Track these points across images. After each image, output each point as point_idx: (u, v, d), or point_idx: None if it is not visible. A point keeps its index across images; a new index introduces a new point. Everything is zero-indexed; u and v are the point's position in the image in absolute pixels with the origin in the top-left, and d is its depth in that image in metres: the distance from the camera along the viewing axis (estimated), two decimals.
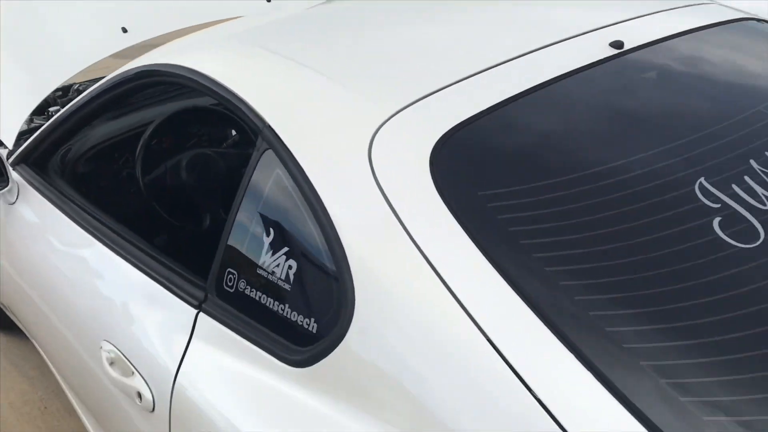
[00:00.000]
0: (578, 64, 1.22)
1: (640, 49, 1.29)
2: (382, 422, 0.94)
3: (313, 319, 1.05)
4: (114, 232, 1.53)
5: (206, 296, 1.24)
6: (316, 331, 1.04)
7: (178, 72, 1.41)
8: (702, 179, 0.99)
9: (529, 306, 0.87)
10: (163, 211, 1.84)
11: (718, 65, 1.30)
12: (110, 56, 2.22)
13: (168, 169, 1.88)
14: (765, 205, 0.96)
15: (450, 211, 0.97)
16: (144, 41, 2.30)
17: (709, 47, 1.34)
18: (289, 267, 1.10)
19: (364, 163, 1.05)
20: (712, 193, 0.98)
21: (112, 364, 1.35)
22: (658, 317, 0.85)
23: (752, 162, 1.03)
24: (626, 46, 1.28)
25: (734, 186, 0.99)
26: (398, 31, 1.42)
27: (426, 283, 0.93)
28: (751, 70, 1.30)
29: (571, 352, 0.83)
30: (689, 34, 1.37)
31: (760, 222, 0.94)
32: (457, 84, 1.15)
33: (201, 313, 1.23)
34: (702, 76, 1.26)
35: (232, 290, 1.20)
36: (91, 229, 1.58)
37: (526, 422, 0.81)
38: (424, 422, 0.90)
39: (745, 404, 0.79)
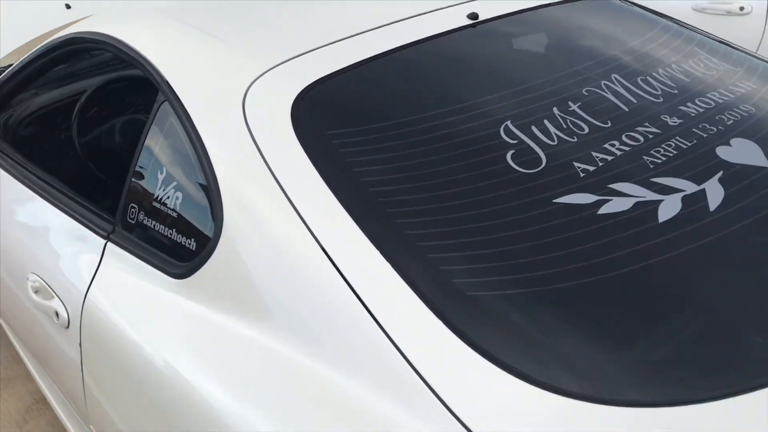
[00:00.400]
0: (435, 32, 1.44)
1: (493, 20, 1.51)
2: (249, 321, 1.15)
3: (192, 239, 1.26)
4: (47, 183, 1.73)
5: (114, 228, 1.44)
6: (195, 248, 1.25)
7: (97, 38, 1.62)
8: (508, 122, 1.22)
9: (357, 224, 1.07)
10: (91, 164, 2.05)
11: (555, 34, 1.52)
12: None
13: (101, 132, 2.09)
14: (553, 141, 1.19)
15: (304, 149, 1.18)
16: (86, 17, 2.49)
17: (552, 19, 1.57)
18: (177, 198, 1.31)
19: (238, 111, 1.26)
20: (514, 132, 1.20)
21: (36, 292, 1.55)
22: (453, 220, 1.06)
23: (555, 109, 1.26)
24: (481, 18, 1.50)
25: (533, 127, 1.21)
26: (285, 7, 1.62)
27: (279, 208, 1.14)
28: (581, 38, 1.52)
29: (390, 263, 1.03)
30: (540, 9, 1.59)
31: (545, 153, 1.16)
32: (323, 47, 1.36)
33: (109, 243, 1.44)
34: (537, 43, 1.49)
35: (134, 221, 1.40)
36: (27, 182, 1.77)
37: (348, 317, 1.02)
38: (276, 323, 1.11)
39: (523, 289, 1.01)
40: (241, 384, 1.10)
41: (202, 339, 1.19)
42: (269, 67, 1.32)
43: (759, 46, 3.05)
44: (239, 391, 1.10)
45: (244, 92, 1.28)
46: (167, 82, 1.38)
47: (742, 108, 1.33)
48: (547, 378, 0.90)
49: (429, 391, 0.92)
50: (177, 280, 1.26)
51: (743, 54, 1.59)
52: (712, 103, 1.33)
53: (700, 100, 1.33)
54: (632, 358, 0.92)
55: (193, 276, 1.23)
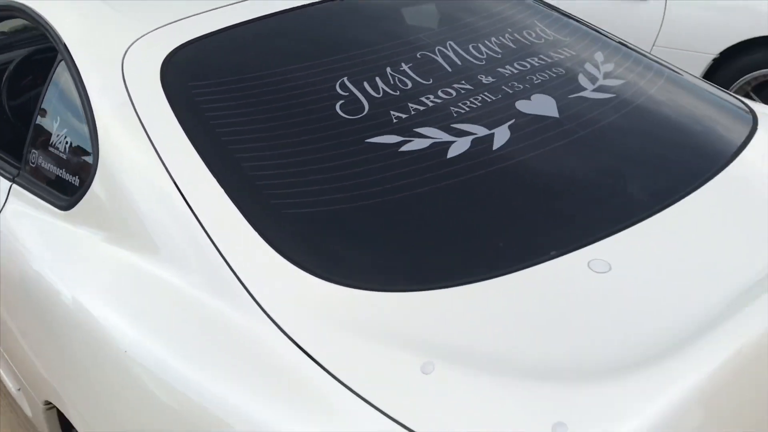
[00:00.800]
0: (303, 3, 1.65)
1: None
2: (117, 241, 1.36)
3: (76, 176, 1.47)
4: None
5: (19, 172, 1.65)
6: (78, 184, 1.46)
7: (12, 6, 1.81)
8: (344, 79, 1.43)
9: (202, 159, 1.29)
10: (19, 124, 2.25)
11: (411, 8, 1.74)
12: None
13: (29, 97, 2.29)
14: (379, 94, 1.41)
15: (167, 99, 1.39)
16: None
17: None
18: (67, 142, 1.52)
19: (118, 68, 1.47)
20: (348, 87, 1.42)
21: None
22: (282, 155, 1.29)
23: (388, 69, 1.48)
24: None
25: (365, 83, 1.43)
26: None
27: (142, 147, 1.35)
28: (432, 11, 1.74)
29: (224, 189, 1.24)
30: None
31: (368, 104, 1.38)
32: (195, 15, 1.57)
33: (14, 185, 1.64)
34: (392, 15, 1.70)
35: (34, 165, 1.61)
36: None
37: (188, 234, 1.23)
38: (139, 242, 1.32)
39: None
40: (110, 292, 1.32)
41: (80, 260, 1.40)
42: (146, 32, 1.53)
43: (659, 32, 3.29)
44: (110, 300, 1.31)
45: (124, 52, 1.49)
46: (65, 44, 1.59)
47: (554, 70, 1.56)
48: (335, 274, 1.12)
49: (242, 287, 1.14)
50: (63, 212, 1.47)
51: (581, 26, 1.81)
52: (528, 66, 1.55)
53: (518, 64, 1.56)
54: (403, 257, 1.16)
55: (74, 208, 1.44)
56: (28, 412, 1.80)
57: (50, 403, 1.53)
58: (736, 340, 0.93)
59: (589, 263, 1.11)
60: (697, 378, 0.90)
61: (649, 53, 1.82)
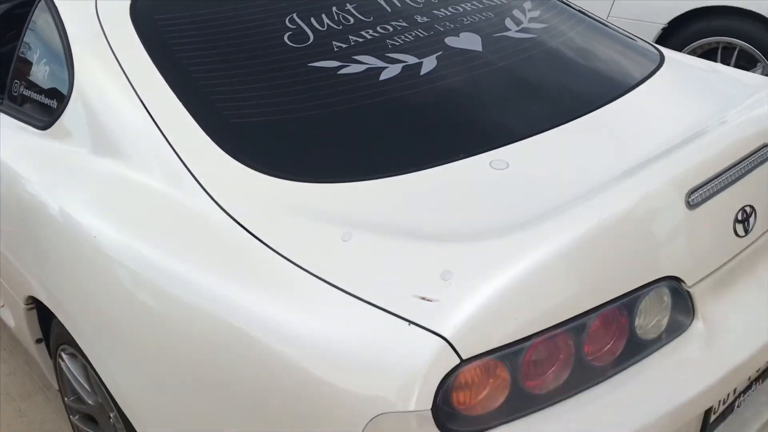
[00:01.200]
0: None
1: None
2: (89, 150, 1.54)
3: (54, 100, 1.65)
4: None
5: (2, 101, 1.83)
6: (55, 107, 1.64)
7: None
8: (294, 14, 1.62)
9: (165, 79, 1.47)
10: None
11: None
12: None
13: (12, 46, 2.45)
14: (324, 27, 1.60)
15: (135, 29, 1.57)
16: None
17: None
18: (45, 70, 1.70)
19: (92, 6, 1.65)
20: (296, 21, 1.60)
21: None
22: (235, 75, 1.47)
23: (334, 8, 1.66)
24: None
25: (311, 18, 1.62)
26: None
27: (113, 69, 1.53)
28: None
29: (182, 103, 1.43)
30: None
31: (314, 35, 1.57)
32: None
33: None
34: None
35: (16, 93, 1.79)
36: None
37: (151, 140, 1.42)
38: (108, 151, 1.50)
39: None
40: (83, 191, 1.50)
41: (56, 167, 1.58)
42: None
43: (612, 3, 3.49)
44: (82, 196, 1.49)
45: None
46: None
47: (484, 14, 1.75)
48: (275, 169, 1.31)
49: (195, 181, 1.32)
50: (42, 131, 1.65)
51: None
52: (461, 9, 1.75)
53: (453, 7, 1.75)
54: (334, 157, 1.35)
55: (52, 127, 1.62)
56: (11, 323, 1.98)
57: (31, 302, 1.71)
58: (595, 214, 1.13)
59: (490, 162, 1.31)
60: (565, 237, 1.10)
61: (579, 7, 2.01)
